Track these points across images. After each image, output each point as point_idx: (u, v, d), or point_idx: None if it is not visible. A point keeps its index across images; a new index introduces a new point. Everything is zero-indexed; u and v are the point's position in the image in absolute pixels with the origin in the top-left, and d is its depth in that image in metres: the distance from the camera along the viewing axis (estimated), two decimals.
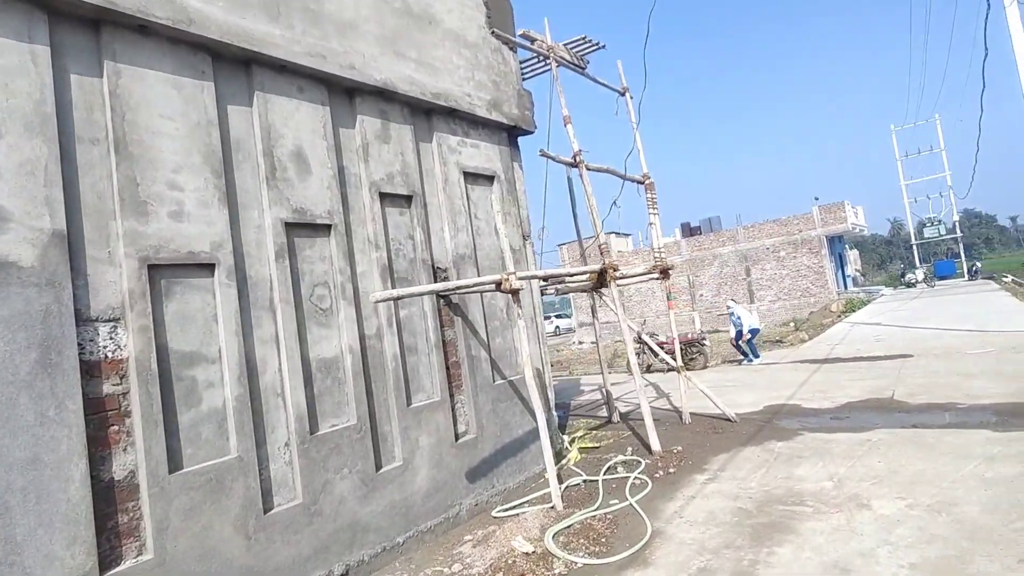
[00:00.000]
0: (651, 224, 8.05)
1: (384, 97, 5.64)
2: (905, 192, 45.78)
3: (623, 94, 8.25)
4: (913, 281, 37.39)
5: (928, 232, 44.94)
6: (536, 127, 7.56)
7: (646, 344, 13.84)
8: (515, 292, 5.03)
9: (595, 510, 4.93)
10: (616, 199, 6.24)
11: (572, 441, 7.66)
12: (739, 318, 13.42)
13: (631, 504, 4.93)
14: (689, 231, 37.48)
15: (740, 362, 13.41)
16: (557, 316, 46.54)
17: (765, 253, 33.18)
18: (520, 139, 7.61)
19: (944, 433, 5.70)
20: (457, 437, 5.82)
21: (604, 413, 9.55)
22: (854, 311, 25.55)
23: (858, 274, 52.74)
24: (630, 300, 38.17)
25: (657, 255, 7.92)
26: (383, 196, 5.53)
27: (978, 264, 40.85)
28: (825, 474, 5.00)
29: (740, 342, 13.39)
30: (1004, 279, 31.58)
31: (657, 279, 7.83)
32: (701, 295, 35.52)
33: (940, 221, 44.47)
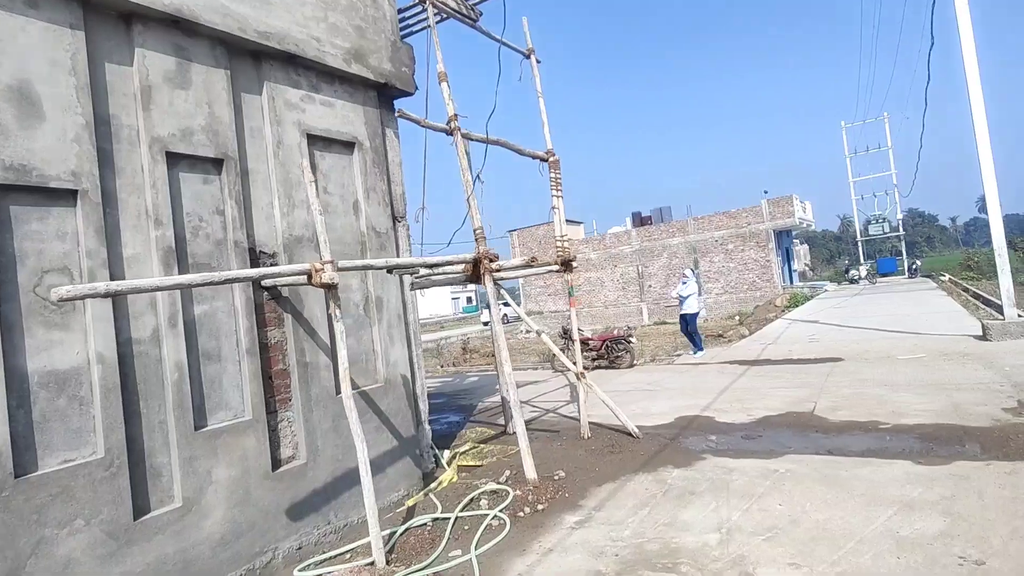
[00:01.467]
0: (554, 208, 6.98)
1: (182, 29, 4.36)
2: (853, 189, 46.37)
3: (527, 56, 7.12)
4: (856, 277, 37.82)
5: (873, 229, 45.65)
6: (417, 88, 6.37)
7: (568, 340, 12.95)
8: (329, 287, 3.87)
9: (424, 568, 3.86)
10: (479, 172, 5.11)
11: (454, 458, 6.60)
12: (688, 296, 12.52)
13: (471, 560, 3.88)
14: (640, 221, 36.94)
15: (673, 360, 12.61)
16: (505, 304, 45.51)
17: (714, 245, 32.86)
18: (399, 102, 6.42)
19: (860, 463, 4.85)
20: (277, 464, 4.66)
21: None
22: (797, 306, 25.34)
23: (807, 268, 53.45)
24: (578, 290, 37.45)
25: (559, 244, 6.88)
26: (175, 157, 4.26)
27: (918, 262, 41.64)
28: (715, 521, 4.05)
29: (689, 330, 12.53)
30: (942, 278, 32.08)
31: (556, 271, 6.78)
32: (650, 286, 35.07)
33: (885, 219, 45.19)
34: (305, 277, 3.94)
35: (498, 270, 5.34)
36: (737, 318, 27.40)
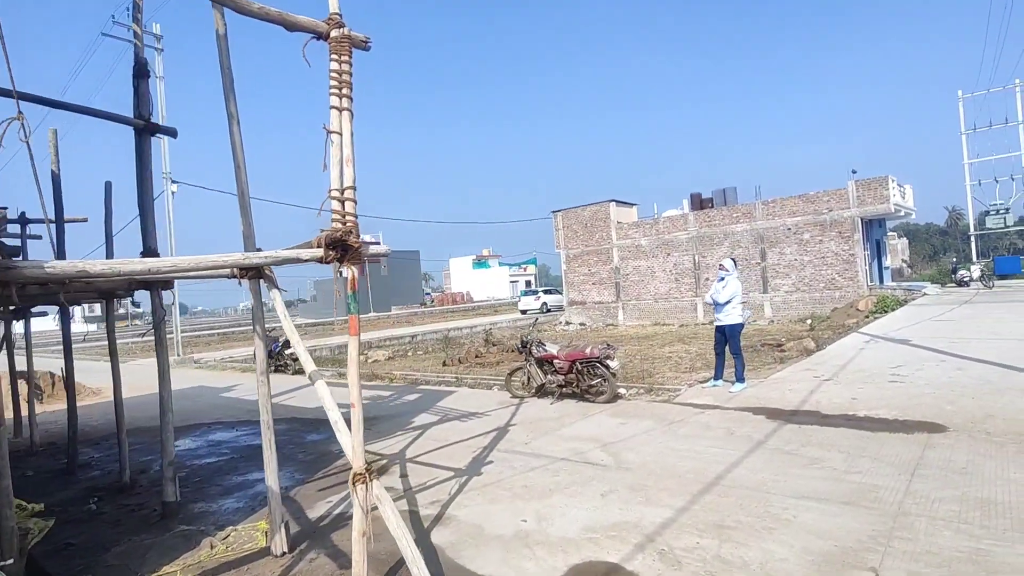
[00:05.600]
0: (333, 133, 3.46)
1: None
2: (968, 172, 38.77)
3: None
4: (966, 279, 31.22)
5: (991, 222, 38.14)
6: None
7: (528, 355, 9.35)
8: None
9: None
10: None
11: None
12: (727, 302, 8.73)
13: None
14: (699, 203, 32.07)
15: (680, 391, 8.74)
16: (546, 292, 41.73)
17: (785, 234, 27.71)
18: None
19: None
20: None
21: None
22: (886, 312, 20.33)
23: (905, 266, 46.14)
24: (626, 280, 33.31)
25: (339, 208, 3.36)
26: None
27: None
28: None
29: (731, 349, 8.64)
30: None
31: (317, 260, 3.29)
32: (707, 279, 30.37)
33: (1007, 210, 37.62)
34: None
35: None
36: (808, 322, 22.64)
